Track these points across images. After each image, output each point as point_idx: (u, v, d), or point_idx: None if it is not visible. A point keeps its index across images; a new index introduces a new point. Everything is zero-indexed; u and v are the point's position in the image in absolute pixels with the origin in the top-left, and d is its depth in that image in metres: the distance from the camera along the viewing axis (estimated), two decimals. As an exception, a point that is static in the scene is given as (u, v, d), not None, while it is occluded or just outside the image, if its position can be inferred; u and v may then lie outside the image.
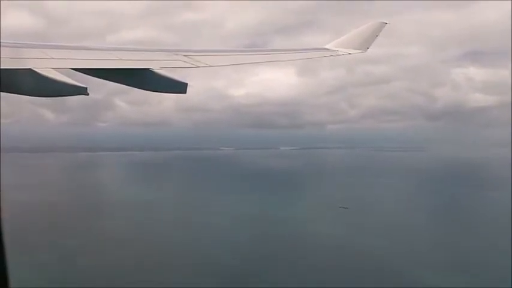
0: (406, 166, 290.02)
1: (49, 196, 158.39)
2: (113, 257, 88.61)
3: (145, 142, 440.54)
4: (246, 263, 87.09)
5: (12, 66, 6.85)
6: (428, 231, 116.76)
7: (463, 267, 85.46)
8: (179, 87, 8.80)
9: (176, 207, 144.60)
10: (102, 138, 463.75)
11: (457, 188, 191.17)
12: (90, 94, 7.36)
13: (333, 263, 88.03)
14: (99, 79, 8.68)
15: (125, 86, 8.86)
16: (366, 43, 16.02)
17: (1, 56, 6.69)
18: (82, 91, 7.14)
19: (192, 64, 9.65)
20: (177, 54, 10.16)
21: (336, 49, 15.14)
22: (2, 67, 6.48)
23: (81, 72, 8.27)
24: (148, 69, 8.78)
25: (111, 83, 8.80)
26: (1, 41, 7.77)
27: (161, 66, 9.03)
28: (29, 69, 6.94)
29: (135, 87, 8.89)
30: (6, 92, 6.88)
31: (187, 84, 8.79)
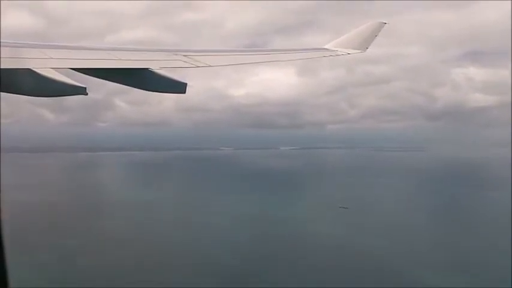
0: (406, 166, 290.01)
1: (49, 196, 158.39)
2: (113, 257, 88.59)
3: (145, 142, 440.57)
4: (246, 263, 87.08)
5: (11, 66, 6.83)
6: (428, 231, 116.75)
7: (463, 267, 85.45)
8: (179, 87, 8.79)
9: (176, 207, 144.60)
10: (102, 138, 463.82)
11: (457, 188, 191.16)
12: (89, 94, 7.36)
13: (333, 263, 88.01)
14: (98, 79, 8.67)
15: (124, 86, 8.85)
16: (365, 43, 16.03)
17: (0, 56, 6.68)
18: (81, 91, 7.13)
19: (191, 64, 9.64)
20: (176, 54, 10.15)
21: (336, 49, 15.14)
22: (1, 67, 6.48)
23: (81, 72, 8.26)
24: (147, 69, 8.77)
25: (110, 83, 8.79)
26: (0, 41, 7.76)
27: (161, 66, 9.01)
28: (28, 69, 6.93)
29: (135, 87, 8.88)
30: (6, 92, 6.87)
31: (186, 84, 8.78)
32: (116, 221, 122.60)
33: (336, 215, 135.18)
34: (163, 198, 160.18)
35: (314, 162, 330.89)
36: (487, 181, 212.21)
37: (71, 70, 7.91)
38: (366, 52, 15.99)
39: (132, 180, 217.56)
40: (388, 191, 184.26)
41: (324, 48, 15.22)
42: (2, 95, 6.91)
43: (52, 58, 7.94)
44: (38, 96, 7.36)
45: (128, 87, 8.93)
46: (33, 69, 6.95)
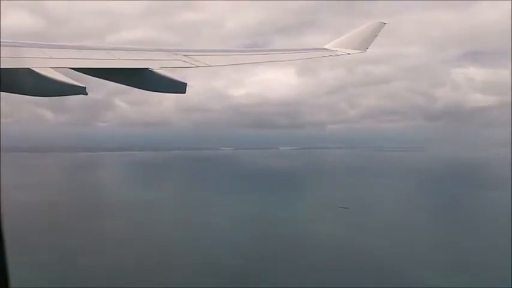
0: (406, 166, 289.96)
1: (49, 196, 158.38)
2: (112, 257, 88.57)
3: (145, 142, 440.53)
4: (246, 263, 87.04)
5: (11, 65, 6.83)
6: (428, 231, 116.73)
7: (463, 267, 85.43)
8: (178, 87, 8.78)
9: (176, 207, 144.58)
10: (102, 138, 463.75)
11: (457, 188, 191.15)
12: (89, 94, 7.35)
13: (333, 263, 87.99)
14: (98, 79, 8.66)
15: (124, 86, 8.84)
16: (365, 43, 16.02)
17: (0, 56, 6.68)
18: (81, 91, 7.12)
19: (191, 64, 9.64)
20: (176, 54, 10.15)
21: (335, 49, 15.14)
22: (1, 67, 6.47)
23: (81, 72, 8.26)
24: (147, 69, 8.76)
25: (110, 82, 8.78)
26: (0, 40, 7.75)
27: (161, 66, 9.01)
28: (28, 68, 6.92)
29: (135, 87, 8.88)
30: (6, 91, 6.86)
31: (186, 84, 8.78)
32: (115, 221, 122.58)
33: (336, 215, 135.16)
34: (163, 198, 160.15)
35: (314, 162, 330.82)
36: (487, 181, 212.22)
37: (71, 70, 7.91)
38: (366, 52, 15.98)
39: (132, 180, 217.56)
40: (388, 191, 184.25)
41: (324, 48, 15.22)
42: (2, 95, 6.91)
43: (52, 58, 7.93)
44: (37, 96, 7.36)
45: (128, 87, 8.92)
46: (33, 68, 6.94)
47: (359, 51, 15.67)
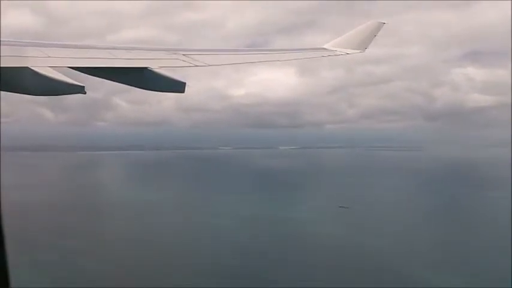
0: (406, 166, 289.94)
1: (49, 196, 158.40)
2: (112, 257, 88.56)
3: (145, 141, 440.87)
4: (245, 262, 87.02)
5: (10, 64, 6.83)
6: (428, 231, 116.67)
7: (463, 267, 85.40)
8: (177, 87, 8.77)
9: (176, 207, 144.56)
10: (101, 138, 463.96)
11: (456, 187, 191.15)
12: (89, 93, 7.34)
13: (332, 262, 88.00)
14: (98, 78, 8.66)
15: (123, 85, 8.84)
16: (364, 43, 16.03)
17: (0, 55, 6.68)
18: (80, 90, 7.11)
19: (190, 63, 9.64)
20: (175, 53, 10.15)
21: (334, 49, 15.15)
22: (0, 66, 6.48)
23: (80, 71, 8.25)
24: (146, 68, 8.76)
25: (110, 82, 8.79)
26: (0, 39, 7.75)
27: (160, 65, 9.00)
28: (27, 67, 6.92)
29: (134, 86, 8.87)
30: (4, 90, 6.87)
31: (185, 83, 8.76)
32: (115, 220, 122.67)
33: (336, 214, 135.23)
34: (163, 197, 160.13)
35: (314, 162, 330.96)
36: (486, 181, 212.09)
37: (70, 69, 7.91)
38: (366, 52, 15.99)
39: (131, 180, 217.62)
40: (387, 191, 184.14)
41: (323, 48, 15.22)
42: (1, 94, 6.92)
43: (51, 57, 7.93)
44: (36, 95, 7.35)
45: (127, 86, 8.92)
46: (32, 67, 6.94)
47: (358, 51, 15.68)
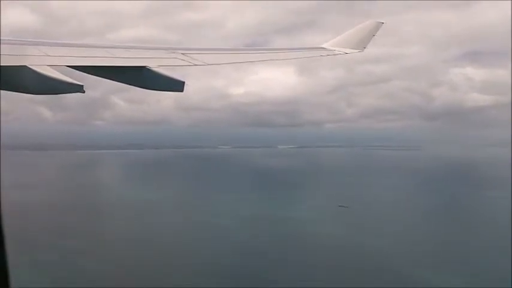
0: (405, 165, 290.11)
1: (48, 195, 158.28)
2: (112, 257, 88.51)
3: (144, 140, 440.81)
4: (246, 262, 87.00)
5: (8, 63, 6.80)
6: (427, 231, 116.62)
7: (463, 267, 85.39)
8: (176, 86, 8.73)
9: (175, 206, 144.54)
10: (100, 137, 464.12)
11: (455, 187, 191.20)
12: (87, 92, 7.31)
13: (332, 262, 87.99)
14: (96, 77, 8.64)
15: (122, 84, 8.81)
16: (362, 43, 16.01)
17: None
18: (78, 89, 7.07)
19: (189, 62, 9.61)
20: (174, 52, 10.13)
21: (333, 48, 15.12)
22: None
23: (78, 70, 8.22)
24: (145, 67, 8.73)
25: (108, 80, 8.76)
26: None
27: (158, 64, 8.97)
28: (25, 66, 6.89)
29: (132, 85, 8.84)
30: (3, 89, 6.84)
31: (184, 82, 8.73)
32: (115, 220, 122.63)
33: (335, 213, 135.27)
34: (163, 197, 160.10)
35: (313, 161, 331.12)
36: (486, 181, 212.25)
37: (69, 68, 7.88)
38: (366, 51, 15.97)
39: (130, 179, 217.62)
40: (387, 190, 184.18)
41: (322, 48, 15.20)
42: (0, 93, 6.89)
43: (49, 55, 7.91)
44: (34, 93, 7.32)
45: (126, 85, 8.89)
46: (30, 66, 6.91)
47: (356, 50, 15.66)
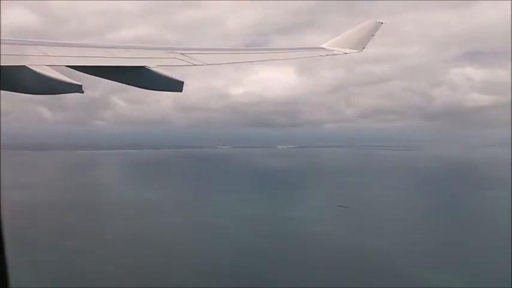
0: (405, 165, 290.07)
1: (48, 195, 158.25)
2: (112, 257, 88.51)
3: (144, 140, 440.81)
4: (246, 262, 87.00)
5: (7, 63, 6.81)
6: (427, 231, 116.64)
7: (463, 267, 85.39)
8: (175, 86, 8.73)
9: (175, 206, 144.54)
10: (100, 137, 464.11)
11: (455, 187, 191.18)
12: (86, 92, 7.31)
13: (332, 262, 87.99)
14: (95, 77, 8.64)
15: (122, 84, 8.82)
16: (362, 43, 16.00)
17: None
18: (77, 89, 7.07)
19: (188, 62, 9.61)
20: (173, 52, 10.13)
21: (332, 48, 15.11)
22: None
23: (77, 70, 8.23)
24: (144, 67, 8.73)
25: (107, 80, 8.76)
26: (-1, 38, 7.73)
27: (157, 64, 8.97)
28: (25, 66, 6.90)
29: (131, 85, 8.83)
30: (2, 89, 6.85)
31: (183, 82, 8.73)
32: (115, 220, 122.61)
33: (335, 213, 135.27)
34: (163, 197, 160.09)
35: (312, 161, 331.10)
36: (486, 181, 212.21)
37: (68, 68, 7.89)
38: (365, 51, 15.97)
39: (130, 179, 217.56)
40: (386, 190, 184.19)
41: (321, 48, 15.19)
42: (0, 93, 6.90)
43: (49, 55, 7.91)
44: (34, 93, 7.33)
45: (126, 85, 8.89)
46: (30, 66, 6.92)
47: (356, 50, 15.65)
